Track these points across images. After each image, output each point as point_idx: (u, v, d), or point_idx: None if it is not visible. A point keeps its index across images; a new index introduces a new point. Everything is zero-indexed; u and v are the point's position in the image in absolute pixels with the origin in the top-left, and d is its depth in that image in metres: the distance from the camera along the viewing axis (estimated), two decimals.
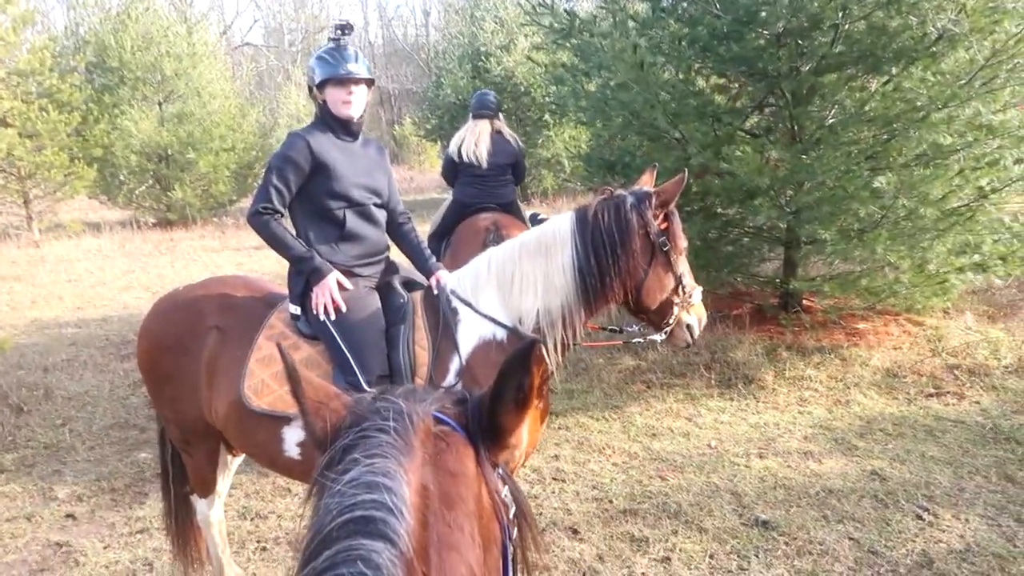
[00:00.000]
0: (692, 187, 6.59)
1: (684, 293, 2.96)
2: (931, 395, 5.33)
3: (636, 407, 5.41)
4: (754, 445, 4.75)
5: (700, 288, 3.07)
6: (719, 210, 6.90)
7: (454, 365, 2.90)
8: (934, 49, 6.15)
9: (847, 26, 6.17)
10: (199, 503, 3.33)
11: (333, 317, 2.91)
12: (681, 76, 7.11)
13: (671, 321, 2.99)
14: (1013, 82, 6.21)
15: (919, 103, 6.10)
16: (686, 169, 3.36)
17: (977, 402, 5.16)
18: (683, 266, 2.97)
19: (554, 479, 4.38)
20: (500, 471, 1.10)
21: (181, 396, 3.05)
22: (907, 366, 5.74)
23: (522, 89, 16.51)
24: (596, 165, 7.62)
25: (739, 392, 5.57)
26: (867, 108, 6.33)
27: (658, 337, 3.10)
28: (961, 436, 4.70)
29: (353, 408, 1.06)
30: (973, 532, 3.64)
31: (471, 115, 5.79)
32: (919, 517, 3.81)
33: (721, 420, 5.15)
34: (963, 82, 6.14)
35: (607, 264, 2.86)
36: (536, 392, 1.06)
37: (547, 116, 15.63)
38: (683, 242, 2.96)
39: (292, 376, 1.10)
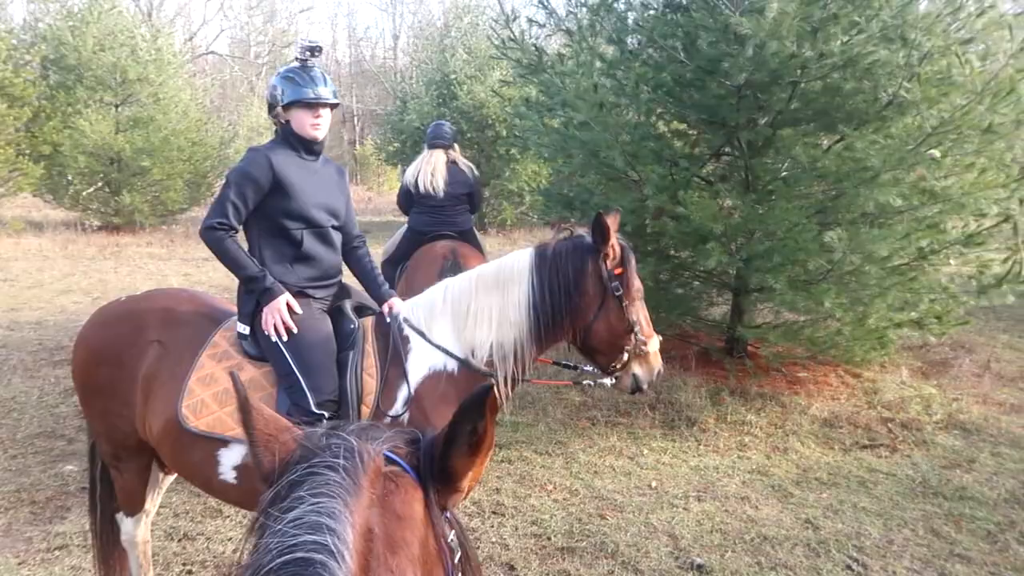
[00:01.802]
0: (647, 229, 6.70)
1: (636, 340, 2.97)
2: (865, 446, 5.46)
3: (580, 443, 5.42)
4: (693, 487, 4.79)
5: (658, 338, 3.09)
6: (672, 253, 7.02)
7: (402, 394, 2.88)
8: (885, 113, 6.41)
9: (804, 84, 6.39)
10: (125, 522, 3.22)
11: (285, 338, 2.86)
12: (642, 119, 7.27)
13: (618, 366, 3.02)
14: (955, 152, 6.49)
15: (869, 164, 6.33)
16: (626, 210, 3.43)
17: (908, 456, 5.30)
18: (637, 314, 2.99)
19: (494, 513, 4.35)
20: (448, 515, 1.09)
21: (115, 410, 2.96)
22: (844, 417, 5.88)
23: (489, 121, 16.65)
24: (554, 200, 7.71)
25: (682, 433, 5.63)
26: (819, 164, 6.54)
27: (606, 381, 3.12)
28: (892, 488, 4.82)
29: (303, 443, 1.04)
30: None
31: (426, 145, 5.83)
32: (849, 567, 3.88)
33: (663, 461, 5.19)
34: (911, 147, 6.39)
35: (560, 303, 2.90)
36: (490, 437, 1.05)
37: (513, 149, 15.78)
38: (637, 289, 2.99)
39: (244, 407, 1.07)
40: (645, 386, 3.09)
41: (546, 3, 7.68)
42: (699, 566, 3.83)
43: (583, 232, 3.02)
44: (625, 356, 3.00)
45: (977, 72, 6.58)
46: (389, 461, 1.03)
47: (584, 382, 3.44)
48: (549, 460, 5.13)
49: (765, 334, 6.53)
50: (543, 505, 4.47)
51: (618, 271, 2.94)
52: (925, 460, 5.22)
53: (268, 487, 1.00)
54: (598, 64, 7.10)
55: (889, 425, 5.76)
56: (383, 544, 0.93)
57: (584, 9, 7.41)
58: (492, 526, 4.19)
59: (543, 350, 3.02)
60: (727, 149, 7.18)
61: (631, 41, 7.37)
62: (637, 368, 3.03)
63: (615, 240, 2.97)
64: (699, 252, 6.67)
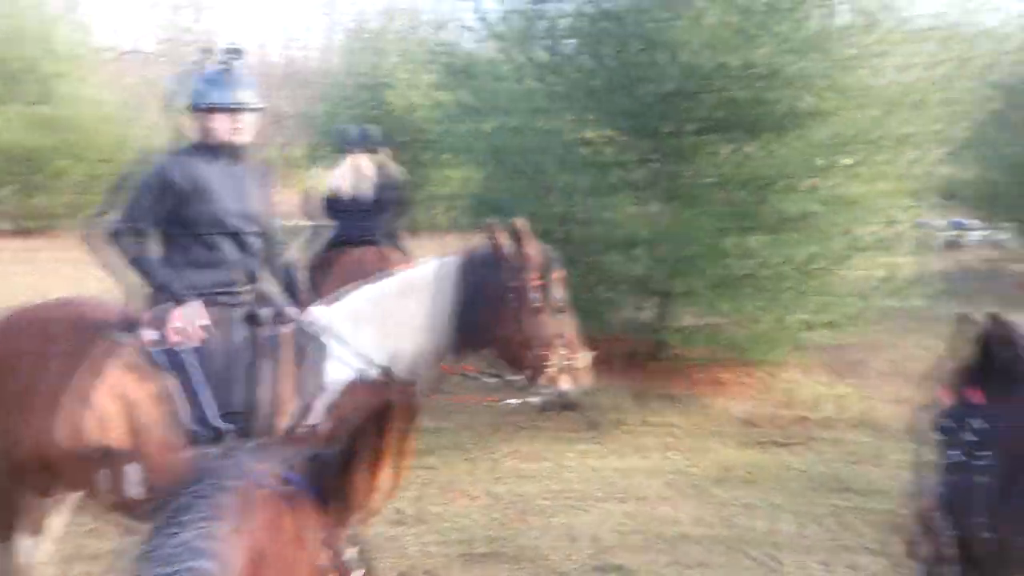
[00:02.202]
0: (576, 234, 6.78)
1: (559, 355, 2.92)
2: (782, 445, 5.63)
3: (505, 448, 5.45)
4: (617, 489, 4.86)
5: (588, 354, 3.03)
6: (600, 258, 7.12)
7: (321, 404, 2.84)
8: (804, 123, 6.65)
9: (729, 93, 6.58)
10: (21, 543, 3.07)
11: (192, 347, 2.79)
12: (572, 125, 7.36)
13: (541, 380, 2.96)
14: (869, 161, 6.78)
15: (788, 171, 6.56)
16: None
17: (822, 453, 5.50)
18: (560, 327, 2.94)
19: (417, 521, 4.33)
20: (349, 532, 1.07)
21: (9, 425, 2.82)
22: (762, 416, 6.07)
23: (420, 125, 16.55)
24: (485, 206, 7.72)
25: (606, 436, 5.71)
26: (743, 171, 6.75)
27: (533, 400, 3.09)
28: (806, 485, 4.98)
29: (194, 465, 1.02)
30: None
31: (352, 148, 5.76)
32: (764, 564, 3.99)
33: (587, 463, 5.25)
34: (827, 156, 6.65)
35: (480, 312, 2.88)
36: (390, 451, 1.05)
37: (444, 154, 15.72)
38: (559, 301, 2.94)
39: (139, 429, 1.05)
40: (571, 403, 3.07)
41: (478, 8, 7.69)
42: (619, 567, 3.89)
43: (506, 243, 3.01)
44: (550, 371, 2.94)
45: (890, 84, 6.90)
46: (285, 480, 1.01)
47: (509, 401, 3.41)
48: (473, 466, 5.14)
49: (689, 337, 6.69)
50: (467, 511, 4.47)
51: (538, 281, 2.92)
52: (837, 456, 5.43)
53: (157, 511, 0.98)
54: (530, 70, 7.15)
55: (804, 424, 5.97)
56: (274, 568, 0.91)
57: (516, 15, 7.45)
58: (416, 534, 4.17)
59: (464, 357, 3.01)
60: (654, 156, 7.32)
61: (563, 47, 7.44)
62: (564, 384, 2.98)
63: (534, 249, 2.97)
64: (626, 257, 6.80)
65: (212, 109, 2.95)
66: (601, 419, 5.95)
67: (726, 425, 5.93)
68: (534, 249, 2.95)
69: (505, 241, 2.98)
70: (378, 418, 1.02)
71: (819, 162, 6.54)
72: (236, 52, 3.06)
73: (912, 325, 8.55)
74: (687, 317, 7.35)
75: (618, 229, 6.44)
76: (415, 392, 2.87)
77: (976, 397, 1.52)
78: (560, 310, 2.97)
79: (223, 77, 2.99)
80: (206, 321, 2.86)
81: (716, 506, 4.67)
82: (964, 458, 1.51)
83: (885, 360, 7.51)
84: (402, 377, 2.87)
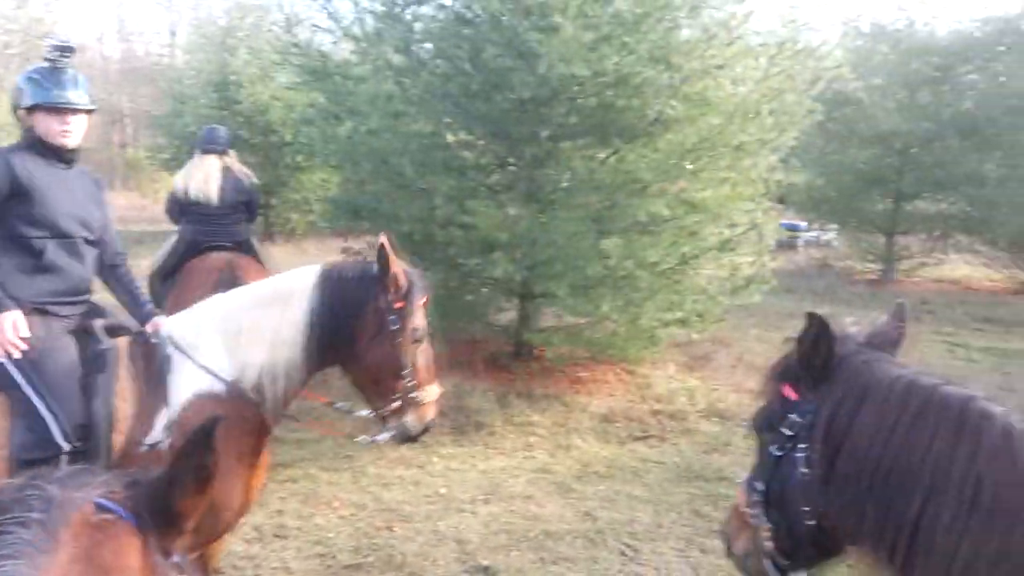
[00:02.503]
0: (437, 237, 6.77)
1: (408, 385, 2.80)
2: (639, 438, 5.87)
3: (368, 456, 5.33)
4: (481, 491, 4.88)
5: (436, 388, 2.92)
6: (461, 261, 7.14)
7: (162, 419, 2.66)
8: (652, 129, 6.96)
9: (582, 101, 6.78)
10: None
11: (16, 357, 2.55)
12: (431, 128, 7.33)
13: (388, 409, 2.84)
14: (711, 167, 7.19)
15: (639, 176, 6.84)
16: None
17: (675, 444, 5.78)
18: (414, 356, 2.81)
19: (276, 536, 4.16)
20: (176, 559, 1.00)
21: None
22: (620, 412, 6.29)
23: (273, 126, 15.98)
24: (343, 209, 7.57)
25: (471, 438, 5.73)
26: (596, 176, 6.97)
27: (381, 437, 2.94)
28: (661, 476, 5.22)
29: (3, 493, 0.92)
30: (666, 564, 4.03)
31: (200, 150, 5.47)
32: (623, 553, 4.14)
33: (452, 467, 5.25)
34: (674, 161, 6.98)
35: (336, 328, 2.74)
36: (222, 469, 0.98)
37: (299, 156, 15.26)
38: (417, 329, 2.81)
39: None
40: (415, 435, 2.91)
41: (330, 8, 7.52)
42: (485, 568, 3.91)
43: (372, 262, 2.84)
44: (397, 402, 2.81)
45: (729, 95, 7.36)
46: (100, 508, 0.93)
47: (359, 439, 3.29)
48: (336, 476, 5.00)
49: (549, 337, 6.84)
50: (329, 523, 4.35)
51: (399, 304, 2.78)
52: (690, 447, 5.72)
53: None
54: (388, 72, 7.06)
55: (659, 417, 6.25)
56: None
57: (370, 16, 7.34)
58: (274, 550, 4.01)
59: (312, 374, 2.87)
60: (511, 160, 7.44)
61: (419, 50, 7.40)
62: (409, 416, 2.85)
63: (399, 271, 2.82)
64: (487, 260, 6.85)
65: (38, 109, 2.74)
66: (465, 422, 5.97)
67: (586, 422, 6.10)
68: (400, 271, 2.83)
69: (371, 259, 2.86)
70: (204, 436, 0.96)
71: (668, 168, 6.87)
72: (65, 48, 2.84)
73: (753, 320, 9.19)
74: (548, 318, 7.52)
75: (479, 232, 6.47)
76: (263, 407, 2.75)
77: (792, 393, 1.59)
78: (418, 339, 2.83)
79: (49, 75, 2.77)
80: (27, 333, 2.61)
81: (577, 501, 4.79)
82: (784, 452, 1.58)
83: (730, 353, 7.99)
84: (251, 392, 2.73)
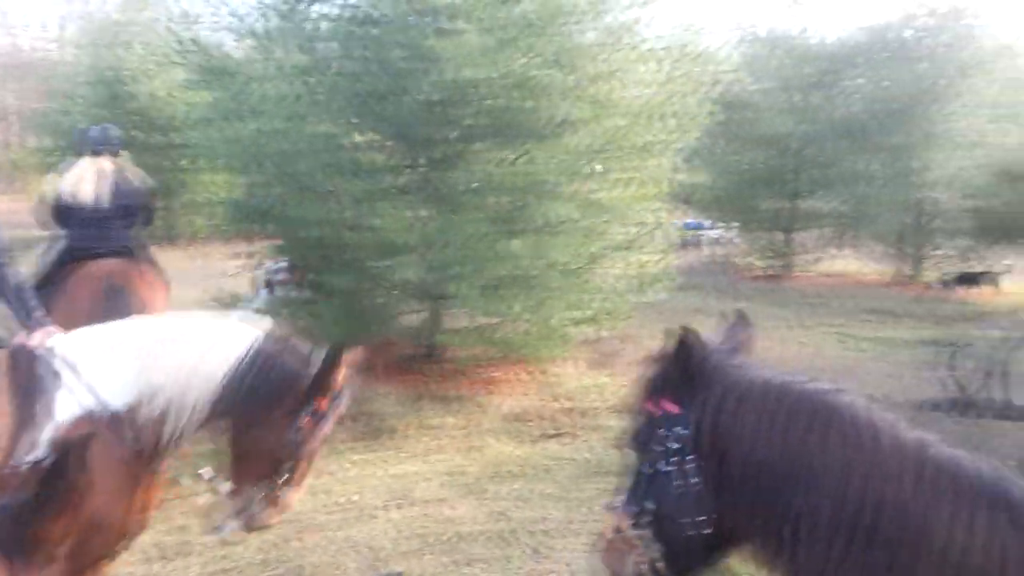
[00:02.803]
0: (343, 240, 6.67)
1: (288, 479, 2.59)
2: (550, 436, 5.95)
3: None
4: (393, 496, 4.84)
5: (297, 494, 2.67)
6: (369, 263, 7.05)
7: (45, 437, 2.51)
8: (558, 131, 7.06)
9: (488, 102, 6.81)
10: None
11: None
12: (337, 130, 7.21)
13: (254, 494, 2.61)
14: (617, 168, 7.35)
15: (547, 177, 6.93)
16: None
17: (586, 440, 5.88)
18: (308, 456, 2.60)
19: (179, 553, 4.00)
20: None
21: None
22: (532, 410, 6.36)
23: (171, 125, 15.35)
24: (245, 212, 7.35)
25: (382, 443, 5.67)
26: (504, 177, 7.02)
27: (228, 528, 2.66)
28: (573, 472, 5.30)
29: None
30: (577, 560, 4.09)
31: (88, 150, 5.16)
32: (536, 551, 4.18)
33: (363, 473, 5.18)
34: (581, 162, 7.11)
35: (256, 391, 2.51)
36: (82, 498, 0.94)
37: (199, 158, 14.71)
38: (317, 437, 2.59)
39: None
40: (226, 532, 2.69)
41: (229, 5, 7.29)
42: (398, 574, 3.88)
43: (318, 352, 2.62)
44: (265, 491, 2.59)
45: (632, 98, 7.54)
46: None
47: (205, 532, 3.02)
48: None
49: (461, 339, 6.84)
50: (237, 537, 4.21)
51: (320, 406, 2.56)
52: (600, 443, 5.82)
53: None
54: (289, 71, 6.88)
55: (570, 414, 6.35)
56: None
57: (271, 13, 7.15)
58: (177, 568, 3.86)
59: (214, 420, 2.67)
60: (419, 162, 7.40)
61: (324, 49, 7.26)
62: (267, 511, 2.61)
63: (342, 378, 2.62)
64: (395, 263, 6.79)
65: None
66: (376, 426, 5.90)
67: (498, 422, 6.13)
68: (342, 378, 2.64)
69: (321, 354, 2.61)
70: (69, 459, 0.92)
71: (574, 169, 6.98)
72: None
73: (660, 316, 9.43)
74: (458, 320, 7.52)
75: (388, 234, 6.41)
76: (158, 436, 2.60)
77: (671, 407, 1.59)
78: (310, 441, 2.60)
79: None
80: None
81: (490, 502, 4.81)
82: (672, 467, 1.57)
83: (638, 349, 8.18)
84: (145, 418, 2.56)
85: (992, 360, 6.13)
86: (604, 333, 7.44)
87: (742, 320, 1.77)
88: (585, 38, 7.26)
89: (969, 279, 14.87)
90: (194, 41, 7.27)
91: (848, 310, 12.61)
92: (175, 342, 2.61)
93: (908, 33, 16.81)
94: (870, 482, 1.38)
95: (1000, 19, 24.69)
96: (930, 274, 15.90)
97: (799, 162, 16.50)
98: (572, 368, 7.47)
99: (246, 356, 2.53)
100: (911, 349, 9.57)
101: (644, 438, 1.63)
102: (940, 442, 1.44)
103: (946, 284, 15.04)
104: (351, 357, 2.74)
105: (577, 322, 7.17)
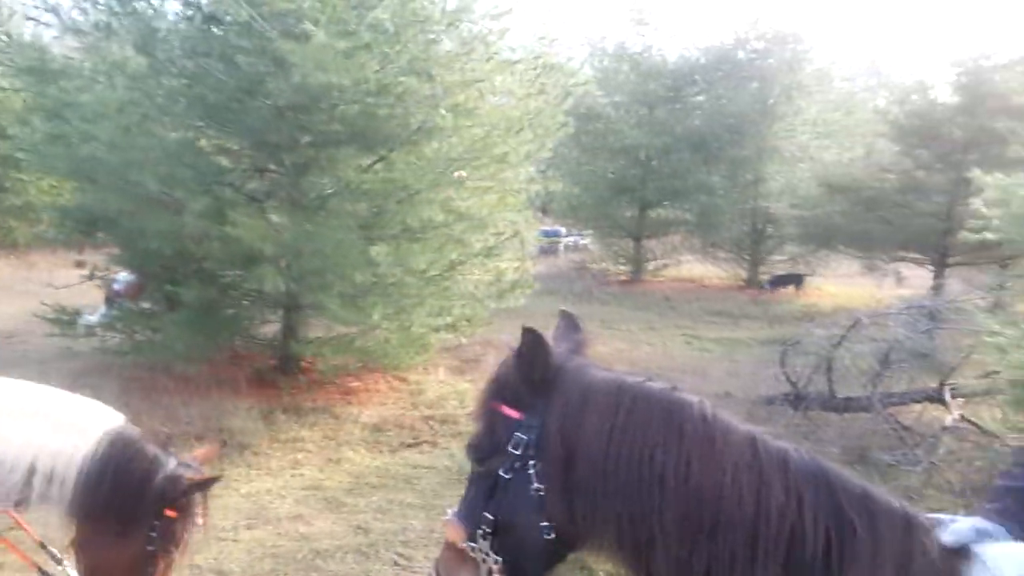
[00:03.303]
0: (190, 251, 6.32)
1: None
2: (411, 445, 5.89)
3: None
4: (244, 516, 4.63)
5: None
6: (219, 273, 6.72)
7: None
8: (416, 138, 7.02)
9: (343, 108, 6.66)
10: None
11: None
12: (180, 135, 6.81)
13: None
14: (476, 176, 7.41)
15: (407, 183, 6.87)
16: None
17: (447, 448, 5.87)
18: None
19: None
20: None
21: None
22: (392, 420, 6.29)
23: None
24: (75, 219, 6.80)
25: (233, 461, 5.41)
26: (363, 184, 6.89)
27: None
28: (434, 481, 5.28)
29: None
30: None
31: None
32: (396, 563, 4.13)
33: (211, 494, 4.90)
34: (440, 170, 7.10)
35: (97, 502, 2.28)
36: None
37: (19, 157, 13.46)
38: (178, 550, 2.38)
39: None
40: None
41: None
42: None
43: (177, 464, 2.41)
44: None
45: (491, 108, 7.62)
46: None
47: None
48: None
49: (318, 348, 6.65)
50: (64, 573, 3.87)
51: (172, 514, 2.33)
52: (460, 450, 5.80)
53: None
54: (121, 74, 6.33)
55: (430, 422, 6.32)
56: None
57: (100, 8, 6.61)
58: None
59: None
60: (272, 167, 7.14)
61: (161, 52, 6.80)
62: None
63: (200, 513, 2.45)
64: (249, 272, 6.50)
65: None
66: (227, 443, 5.62)
67: (357, 433, 6.02)
68: (201, 512, 2.46)
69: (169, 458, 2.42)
70: None
71: (433, 176, 6.96)
72: None
73: (518, 322, 9.58)
74: (315, 329, 7.32)
75: (240, 244, 6.12)
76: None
77: (513, 412, 1.54)
78: (162, 557, 2.35)
79: None
80: None
81: (349, 515, 4.70)
82: (514, 474, 1.52)
83: (498, 355, 8.24)
84: None
85: (818, 357, 6.66)
86: (464, 340, 7.47)
87: (570, 320, 1.73)
88: (441, 47, 7.27)
89: (779, 281, 16.51)
90: (8, 35, 6.64)
91: (695, 313, 13.36)
92: (22, 417, 2.33)
93: (741, 55, 18.10)
94: (710, 477, 1.41)
95: (819, 46, 27.05)
96: (765, 278, 17.19)
97: (647, 172, 17.36)
98: (433, 375, 7.46)
99: (92, 459, 2.27)
100: (749, 348, 10.28)
101: (488, 445, 1.56)
102: (769, 435, 1.49)
103: (762, 287, 16.58)
104: (204, 453, 2.58)
105: (438, 329, 7.16)
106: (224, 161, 7.09)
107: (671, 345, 10.51)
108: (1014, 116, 11.28)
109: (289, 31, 5.88)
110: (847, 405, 6.24)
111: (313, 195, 6.93)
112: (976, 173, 5.35)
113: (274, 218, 6.75)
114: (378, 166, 7.01)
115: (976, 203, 5.37)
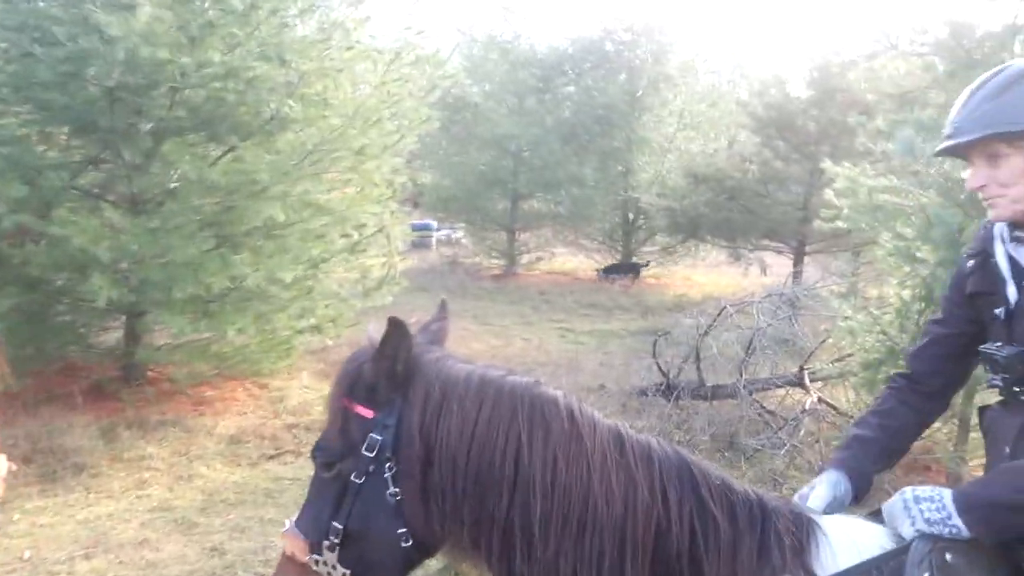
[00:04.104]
0: (6, 255, 5.63)
1: None
2: (272, 457, 5.53)
3: None
4: (81, 545, 4.16)
5: None
6: (47, 278, 6.05)
7: None
8: (269, 128, 6.59)
9: (186, 92, 6.13)
10: None
11: None
12: None
13: None
14: (334, 169, 7.06)
15: (258, 177, 6.42)
16: None
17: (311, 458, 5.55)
18: None
19: None
20: None
21: None
22: (251, 430, 5.88)
23: None
24: None
25: (67, 485, 4.88)
26: (210, 177, 6.37)
27: None
28: (297, 494, 4.94)
29: None
30: None
31: None
32: None
33: (40, 523, 4.39)
34: (295, 162, 6.70)
35: None
36: None
37: None
38: None
39: None
40: None
41: None
42: None
43: None
44: None
45: (349, 98, 7.28)
46: None
47: None
48: None
49: (165, 356, 6.13)
50: None
51: None
52: None
53: None
54: None
55: (294, 431, 5.96)
56: None
57: None
58: None
59: None
60: (106, 158, 6.50)
61: None
62: None
63: None
64: (82, 277, 5.86)
65: None
66: (59, 465, 5.08)
67: (211, 446, 5.59)
68: None
69: None
70: None
71: (287, 169, 6.55)
72: None
73: (385, 321, 9.32)
74: (163, 335, 6.75)
75: (67, 248, 5.50)
76: None
77: (365, 411, 1.43)
78: None
79: None
80: None
81: (202, 536, 4.33)
82: (366, 478, 1.41)
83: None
84: None
85: (688, 346, 6.79)
86: (329, 341, 7.12)
87: (441, 310, 1.67)
88: (295, 32, 6.87)
89: (614, 270, 16.91)
90: None
91: (568, 306, 13.49)
92: None
93: (609, 46, 18.42)
94: (577, 476, 1.37)
95: (684, 39, 28.13)
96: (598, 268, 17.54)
97: (518, 164, 17.36)
98: (296, 380, 7.07)
99: None
100: (622, 340, 10.45)
101: (339, 447, 1.44)
102: (630, 429, 1.47)
103: (601, 276, 16.83)
104: None
105: (301, 331, 6.78)
106: (48, 150, 6.38)
107: (546, 339, 10.53)
108: (861, 110, 12.03)
109: (114, 2, 5.35)
110: (715, 393, 6.38)
111: (155, 190, 6.37)
112: (827, 164, 5.57)
113: (111, 216, 6.14)
114: (226, 157, 6.52)
115: (828, 193, 5.60)
